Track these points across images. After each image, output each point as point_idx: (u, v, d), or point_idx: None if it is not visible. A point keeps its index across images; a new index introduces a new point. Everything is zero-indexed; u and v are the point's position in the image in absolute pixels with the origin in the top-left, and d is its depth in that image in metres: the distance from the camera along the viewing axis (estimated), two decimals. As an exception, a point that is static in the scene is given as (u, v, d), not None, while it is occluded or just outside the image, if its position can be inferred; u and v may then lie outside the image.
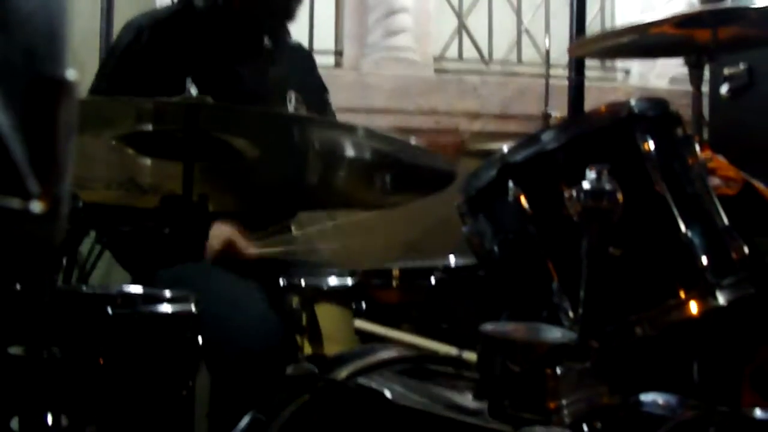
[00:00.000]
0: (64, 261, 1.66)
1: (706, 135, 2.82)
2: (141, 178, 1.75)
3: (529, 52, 4.19)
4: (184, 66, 2.34)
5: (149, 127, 1.51)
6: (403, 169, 1.78)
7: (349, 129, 1.57)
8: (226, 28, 2.51)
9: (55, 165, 0.52)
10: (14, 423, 1.28)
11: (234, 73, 2.50)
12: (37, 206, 0.50)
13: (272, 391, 1.37)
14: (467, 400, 1.27)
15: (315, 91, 2.73)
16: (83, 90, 2.63)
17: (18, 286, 1.30)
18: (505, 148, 1.49)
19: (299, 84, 2.66)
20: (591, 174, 1.25)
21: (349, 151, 1.68)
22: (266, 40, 2.57)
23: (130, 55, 2.41)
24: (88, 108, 1.37)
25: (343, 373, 1.34)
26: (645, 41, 2.21)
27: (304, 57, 2.87)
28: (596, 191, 1.24)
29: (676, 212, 1.41)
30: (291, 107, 2.59)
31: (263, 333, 2.09)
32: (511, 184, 1.45)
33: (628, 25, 2.28)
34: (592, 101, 3.19)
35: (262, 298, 2.16)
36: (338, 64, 3.99)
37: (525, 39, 4.21)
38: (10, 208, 0.49)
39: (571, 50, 2.85)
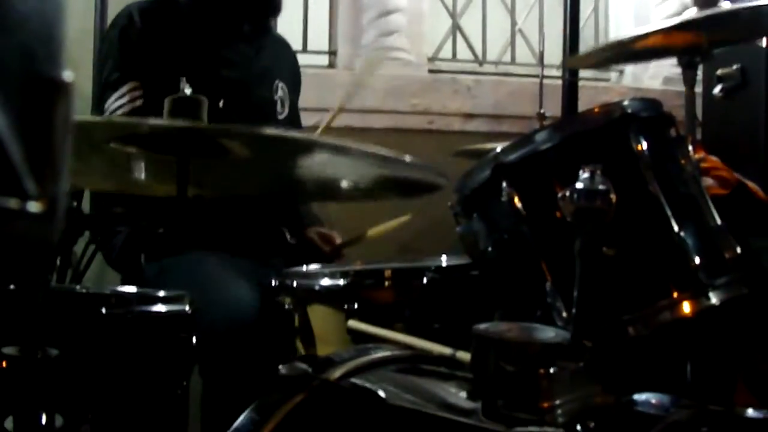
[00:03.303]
0: (58, 261, 1.66)
1: (699, 135, 2.82)
2: (136, 175, 1.76)
3: (522, 53, 4.20)
4: (174, 50, 2.38)
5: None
6: (397, 184, 1.78)
7: (342, 150, 1.56)
8: (211, 14, 2.54)
9: (52, 165, 0.52)
10: (9, 423, 1.28)
11: (222, 58, 2.53)
12: (34, 206, 0.50)
13: (266, 391, 1.38)
14: (461, 399, 1.28)
15: (293, 89, 2.76)
16: (81, 87, 2.64)
17: (12, 286, 1.31)
18: (499, 149, 1.49)
19: (284, 76, 2.69)
20: (584, 174, 1.26)
21: (344, 183, 1.70)
22: (246, 26, 2.60)
23: (127, 39, 2.44)
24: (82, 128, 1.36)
25: (337, 373, 1.34)
26: (638, 50, 2.22)
27: (290, 53, 2.90)
28: (590, 191, 1.24)
29: (669, 212, 1.42)
30: (277, 96, 2.62)
31: (251, 329, 2.10)
32: (504, 184, 1.46)
33: (621, 39, 2.28)
34: (585, 102, 3.19)
35: (251, 296, 2.17)
36: (332, 64, 3.99)
37: (519, 39, 4.21)
38: (7, 207, 0.49)
39: (564, 66, 2.86)
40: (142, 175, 1.70)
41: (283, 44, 2.89)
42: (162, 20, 2.49)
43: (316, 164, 1.72)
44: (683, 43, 2.06)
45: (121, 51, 2.43)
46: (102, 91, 2.43)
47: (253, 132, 1.44)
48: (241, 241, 2.43)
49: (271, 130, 1.62)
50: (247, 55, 2.60)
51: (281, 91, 2.65)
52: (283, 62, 2.80)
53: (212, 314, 2.01)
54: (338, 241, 2.60)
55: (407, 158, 1.52)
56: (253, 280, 2.21)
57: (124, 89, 2.33)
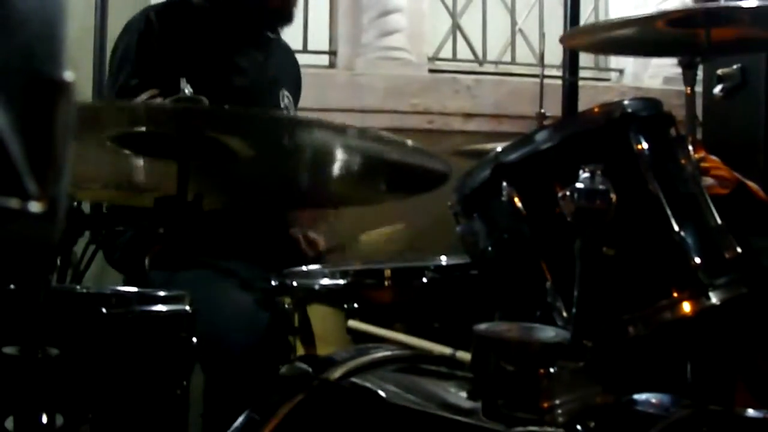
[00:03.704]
0: (58, 261, 1.66)
1: (699, 135, 2.82)
2: (137, 179, 1.75)
3: (523, 53, 4.20)
4: (189, 56, 2.37)
5: (143, 129, 1.51)
6: (397, 169, 1.77)
7: (341, 130, 1.57)
8: (227, 19, 2.54)
9: (53, 165, 0.52)
10: (9, 423, 1.28)
11: (234, 65, 2.53)
12: (35, 206, 0.51)
13: (266, 391, 1.38)
14: (461, 399, 1.28)
15: (295, 97, 2.77)
16: (81, 87, 2.64)
17: (12, 286, 1.31)
18: (499, 148, 1.49)
19: (289, 84, 2.70)
20: (584, 174, 1.26)
21: (341, 153, 1.69)
22: (258, 33, 2.61)
23: (146, 45, 2.43)
24: (82, 112, 1.36)
25: (337, 372, 1.34)
26: (639, 37, 2.21)
27: (293, 59, 2.91)
28: (590, 191, 1.24)
29: (669, 212, 1.42)
30: (283, 105, 2.62)
31: (251, 329, 2.11)
32: (504, 184, 1.46)
33: (623, 18, 2.28)
34: (585, 101, 3.19)
35: (251, 296, 2.18)
36: (332, 64, 3.99)
37: (519, 39, 4.21)
38: (8, 207, 0.49)
39: (564, 40, 2.83)
40: (142, 177, 1.70)
41: (287, 50, 2.89)
42: (179, 25, 2.49)
43: (318, 160, 1.72)
44: (683, 38, 2.05)
45: (139, 57, 2.42)
46: (118, 96, 2.42)
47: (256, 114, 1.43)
48: (250, 248, 2.43)
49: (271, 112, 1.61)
50: (257, 62, 2.61)
51: (286, 99, 2.66)
52: (288, 69, 2.81)
53: (221, 332, 2.03)
54: (322, 246, 2.59)
55: (409, 142, 1.52)
56: (260, 292, 2.21)
57: (144, 96, 2.32)
